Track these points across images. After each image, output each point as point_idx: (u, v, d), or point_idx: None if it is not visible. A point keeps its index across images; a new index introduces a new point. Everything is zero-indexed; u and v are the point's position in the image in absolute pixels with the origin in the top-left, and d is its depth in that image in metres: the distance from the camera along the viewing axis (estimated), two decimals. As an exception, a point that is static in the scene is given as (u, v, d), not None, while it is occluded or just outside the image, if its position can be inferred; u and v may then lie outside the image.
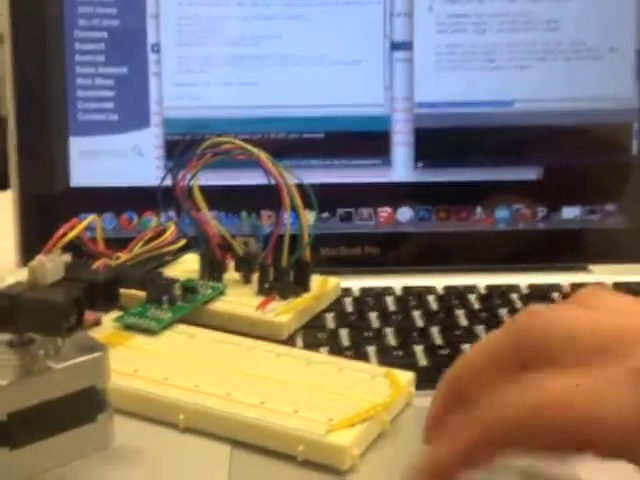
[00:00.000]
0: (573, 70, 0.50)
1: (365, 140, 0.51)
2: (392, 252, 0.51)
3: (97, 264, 0.44)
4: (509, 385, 0.26)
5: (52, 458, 0.31)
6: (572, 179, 0.51)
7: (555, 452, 0.25)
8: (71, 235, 0.31)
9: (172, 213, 0.47)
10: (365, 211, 0.51)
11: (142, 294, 0.42)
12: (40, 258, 0.29)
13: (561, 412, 0.24)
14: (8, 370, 0.30)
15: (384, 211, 0.51)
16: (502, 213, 0.51)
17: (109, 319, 0.40)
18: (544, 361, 0.26)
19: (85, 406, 0.31)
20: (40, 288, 0.29)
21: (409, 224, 0.51)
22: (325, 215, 0.51)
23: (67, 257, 0.30)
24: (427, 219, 0.51)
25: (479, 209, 0.51)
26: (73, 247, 0.40)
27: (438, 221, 0.51)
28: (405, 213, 0.51)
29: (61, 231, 0.32)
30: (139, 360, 0.37)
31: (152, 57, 0.50)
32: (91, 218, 0.41)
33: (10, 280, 0.30)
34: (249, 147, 0.42)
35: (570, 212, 0.51)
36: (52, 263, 0.29)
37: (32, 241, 0.49)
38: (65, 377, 0.30)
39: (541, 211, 0.51)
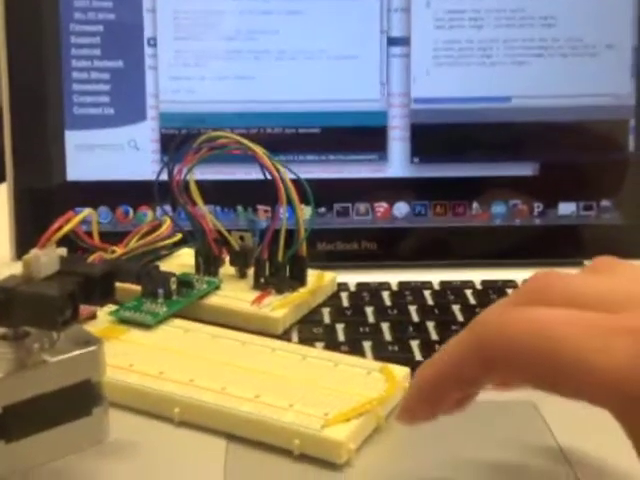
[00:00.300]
0: (570, 67, 0.50)
1: (361, 135, 0.51)
2: (388, 247, 0.51)
3: (92, 258, 0.44)
4: (507, 307, 0.25)
5: (47, 451, 0.30)
6: (568, 175, 0.51)
7: (535, 382, 0.25)
8: (66, 229, 0.31)
9: (167, 207, 0.46)
10: (362, 206, 0.51)
11: (137, 288, 0.42)
12: (35, 252, 0.29)
13: (553, 340, 0.23)
14: (3, 363, 0.29)
15: (380, 206, 0.51)
16: (498, 209, 0.51)
17: (104, 313, 0.40)
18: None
19: (80, 400, 0.31)
20: (35, 282, 0.29)
21: (405, 219, 0.51)
22: (322, 210, 0.51)
23: (62, 251, 0.29)
24: (423, 214, 0.51)
25: (475, 205, 0.51)
26: (68, 241, 0.40)
27: (434, 216, 0.51)
28: (401, 208, 0.51)
29: (56, 225, 0.31)
30: (134, 354, 0.37)
31: (148, 51, 0.50)
32: (87, 212, 0.41)
33: (5, 273, 0.30)
34: (245, 142, 0.42)
35: (566, 208, 0.51)
36: (47, 257, 0.29)
37: (27, 234, 0.49)
38: (60, 370, 0.30)
39: (537, 207, 0.51)
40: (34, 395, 0.29)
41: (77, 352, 0.30)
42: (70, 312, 0.29)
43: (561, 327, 0.24)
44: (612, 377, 0.23)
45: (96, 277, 0.30)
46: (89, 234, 0.44)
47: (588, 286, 0.26)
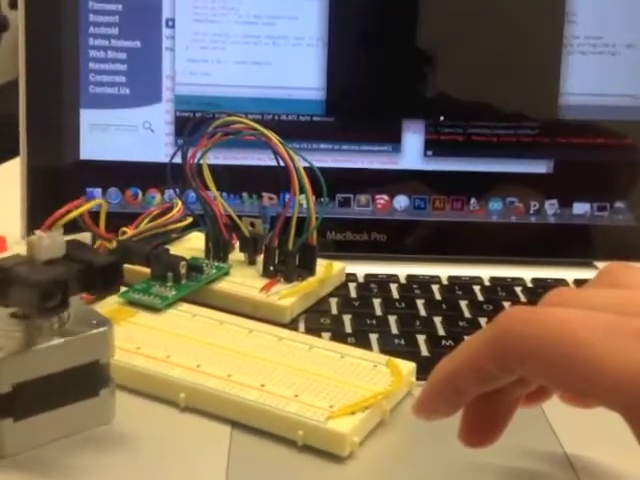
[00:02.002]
0: (589, 65, 0.50)
1: (375, 126, 0.50)
2: (399, 240, 0.51)
3: (97, 244, 0.44)
4: (528, 308, 0.26)
5: (54, 431, 0.31)
6: (584, 174, 0.51)
7: (549, 378, 0.25)
8: (73, 214, 0.31)
9: (176, 191, 0.46)
10: (376, 197, 0.51)
11: (146, 270, 0.42)
12: (39, 234, 0.29)
13: (568, 337, 0.24)
14: (12, 341, 0.29)
15: (394, 198, 0.51)
16: (505, 206, 0.51)
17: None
18: None
19: (88, 380, 0.31)
20: (35, 264, 0.29)
21: (419, 213, 0.51)
22: (340, 199, 0.50)
23: (85, 236, 0.29)
24: (441, 208, 0.51)
25: (490, 201, 0.51)
26: (74, 226, 0.40)
27: (452, 211, 0.51)
28: (416, 201, 0.51)
29: (64, 209, 0.31)
30: (141, 337, 0.37)
31: (166, 32, 0.49)
32: (98, 201, 0.41)
33: (14, 251, 0.30)
34: (261, 128, 0.42)
35: (581, 208, 0.51)
36: (51, 240, 0.29)
37: (38, 212, 0.49)
38: (70, 350, 0.30)
39: (552, 205, 0.51)
40: (43, 374, 0.30)
41: (87, 333, 0.30)
42: (59, 299, 0.29)
43: (577, 325, 0.24)
44: (624, 378, 0.23)
45: (99, 267, 0.29)
46: (96, 221, 0.44)
47: (604, 297, 0.26)
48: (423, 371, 0.36)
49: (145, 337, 0.37)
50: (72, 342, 0.30)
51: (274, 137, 0.42)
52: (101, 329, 0.31)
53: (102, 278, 0.29)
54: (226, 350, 0.36)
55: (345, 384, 0.34)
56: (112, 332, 0.31)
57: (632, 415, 0.23)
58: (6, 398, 0.29)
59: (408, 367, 0.35)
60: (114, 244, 0.44)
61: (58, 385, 0.30)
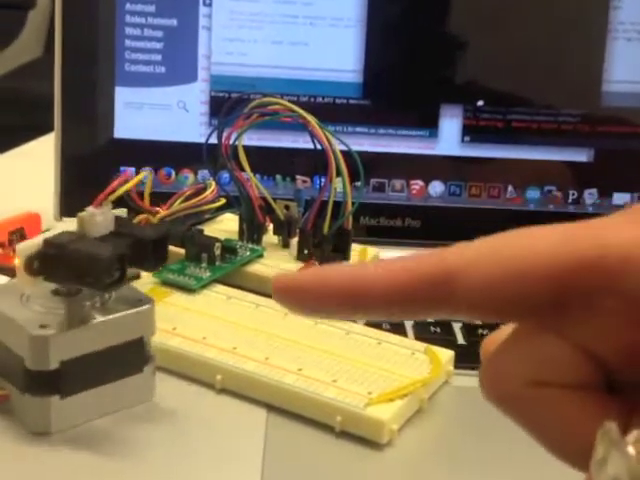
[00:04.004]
0: (632, 51, 0.49)
1: (413, 110, 0.50)
2: (434, 226, 0.50)
3: (138, 219, 0.43)
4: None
5: (99, 408, 0.31)
6: (625, 164, 0.50)
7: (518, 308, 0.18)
8: (123, 189, 0.30)
9: (210, 171, 0.46)
10: (411, 182, 0.50)
11: (180, 251, 0.42)
12: (91, 210, 0.29)
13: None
14: (57, 319, 0.29)
15: (429, 184, 0.50)
16: (538, 194, 0.50)
17: (148, 274, 0.40)
18: None
19: (133, 357, 0.31)
20: (87, 240, 0.29)
21: (455, 199, 0.50)
22: (374, 183, 0.50)
23: (122, 211, 0.29)
24: (477, 195, 0.50)
25: (528, 189, 0.50)
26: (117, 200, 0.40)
27: (488, 198, 0.50)
28: (451, 187, 0.50)
29: (115, 183, 0.31)
30: (177, 317, 0.37)
31: (203, 10, 0.49)
32: (146, 173, 0.41)
33: (59, 229, 0.30)
34: (298, 109, 0.42)
35: (621, 198, 0.50)
36: (102, 216, 0.29)
37: (72, 190, 0.49)
38: (116, 328, 0.31)
39: (591, 194, 0.50)
40: (90, 351, 0.30)
41: (133, 310, 0.31)
42: (118, 274, 0.29)
43: None
44: None
45: (150, 241, 0.29)
46: (140, 195, 0.44)
47: None
48: (460, 359, 0.36)
49: (181, 318, 0.37)
50: (118, 319, 0.30)
51: (312, 119, 0.42)
52: (145, 306, 0.31)
53: (153, 252, 0.29)
54: (262, 333, 0.36)
55: (383, 371, 0.33)
56: (154, 310, 0.31)
57: None
58: (53, 375, 0.29)
59: (447, 355, 0.35)
60: (157, 214, 0.43)
61: (103, 362, 0.30)
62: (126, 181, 0.32)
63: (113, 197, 0.30)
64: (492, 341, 0.20)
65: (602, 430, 0.16)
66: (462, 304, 0.18)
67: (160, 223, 0.42)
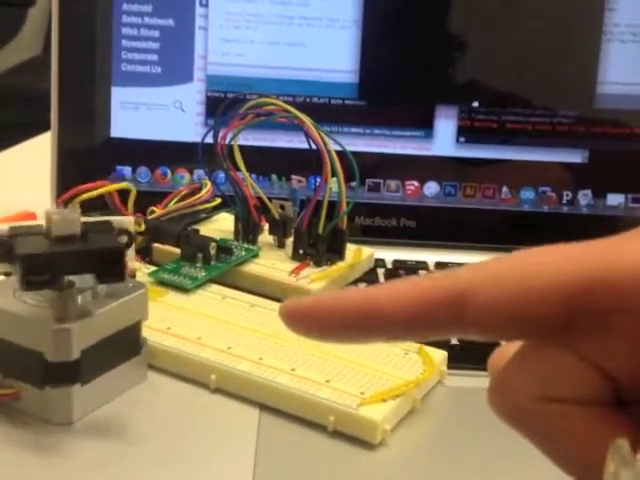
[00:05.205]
0: (627, 54, 0.49)
1: (408, 110, 0.50)
2: (429, 226, 0.50)
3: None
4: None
5: (109, 392, 0.32)
6: (619, 165, 0.50)
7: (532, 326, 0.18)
8: (88, 194, 0.31)
9: (206, 171, 0.46)
10: (406, 183, 0.50)
11: (175, 250, 0.42)
12: (52, 209, 0.30)
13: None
14: (54, 311, 0.30)
15: (425, 184, 0.50)
16: (532, 194, 0.50)
17: (143, 273, 0.40)
18: None
19: (133, 340, 0.33)
20: (49, 238, 0.30)
21: (450, 200, 0.50)
22: (370, 183, 0.50)
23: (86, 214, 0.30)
24: (471, 195, 0.50)
25: (522, 189, 0.50)
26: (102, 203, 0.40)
27: (483, 198, 0.50)
28: (446, 188, 0.50)
29: (83, 187, 0.31)
30: (172, 317, 0.37)
31: (200, 11, 0.49)
32: (124, 184, 0.41)
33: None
34: (294, 110, 0.42)
35: (615, 199, 0.50)
36: (60, 216, 0.29)
37: (67, 186, 0.49)
38: (120, 314, 0.32)
39: (585, 195, 0.50)
40: (101, 338, 0.31)
41: (132, 295, 0.32)
42: (48, 275, 0.30)
43: None
44: None
45: (94, 251, 0.30)
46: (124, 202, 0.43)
47: None
48: (453, 360, 0.36)
49: (175, 317, 0.37)
50: (121, 306, 0.31)
51: (307, 120, 0.42)
52: (141, 291, 0.32)
53: (100, 263, 0.30)
54: (257, 333, 0.36)
55: (376, 371, 0.33)
56: (147, 293, 0.33)
57: None
58: (74, 365, 0.30)
59: (440, 355, 0.35)
60: (142, 226, 0.43)
61: (111, 348, 0.31)
62: (95, 188, 0.32)
63: (79, 199, 0.30)
64: (501, 356, 0.20)
65: (614, 447, 0.16)
66: (471, 325, 0.18)
67: (143, 230, 0.42)
